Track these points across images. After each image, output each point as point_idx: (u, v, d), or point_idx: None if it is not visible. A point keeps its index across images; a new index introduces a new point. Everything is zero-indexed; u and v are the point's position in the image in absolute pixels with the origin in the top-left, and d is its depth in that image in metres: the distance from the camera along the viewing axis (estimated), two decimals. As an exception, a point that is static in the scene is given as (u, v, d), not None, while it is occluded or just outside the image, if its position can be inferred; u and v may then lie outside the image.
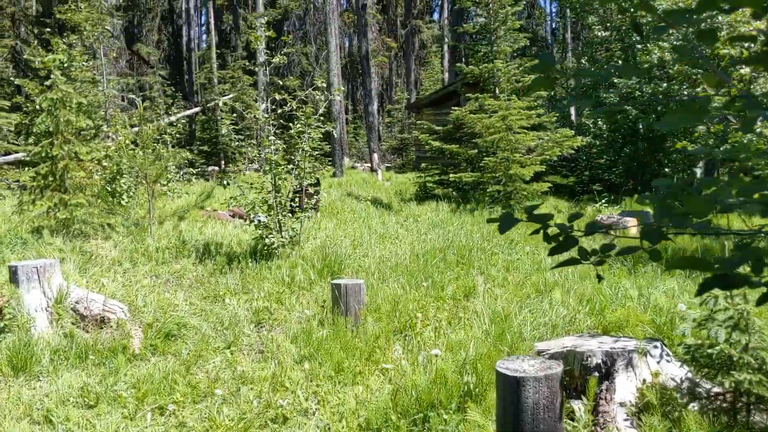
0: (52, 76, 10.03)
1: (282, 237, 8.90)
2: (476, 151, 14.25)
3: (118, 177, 12.24)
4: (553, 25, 47.02)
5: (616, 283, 6.98)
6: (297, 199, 9.35)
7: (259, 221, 8.99)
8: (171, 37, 45.02)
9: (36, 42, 22.10)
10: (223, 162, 24.84)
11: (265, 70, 9.19)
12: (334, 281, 6.39)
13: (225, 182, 9.37)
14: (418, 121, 16.14)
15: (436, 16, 52.18)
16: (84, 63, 16.41)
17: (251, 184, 9.43)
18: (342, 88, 9.45)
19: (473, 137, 15.02)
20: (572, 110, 27.57)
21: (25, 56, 19.61)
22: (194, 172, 17.99)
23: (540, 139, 14.21)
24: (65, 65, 17.13)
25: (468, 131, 14.95)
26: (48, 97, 9.77)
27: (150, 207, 10.22)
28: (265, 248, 8.86)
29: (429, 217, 12.84)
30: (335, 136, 17.67)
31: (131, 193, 12.33)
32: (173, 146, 18.20)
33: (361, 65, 20.30)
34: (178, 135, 19.14)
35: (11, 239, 9.25)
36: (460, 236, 10.86)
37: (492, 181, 14.04)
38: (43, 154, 9.90)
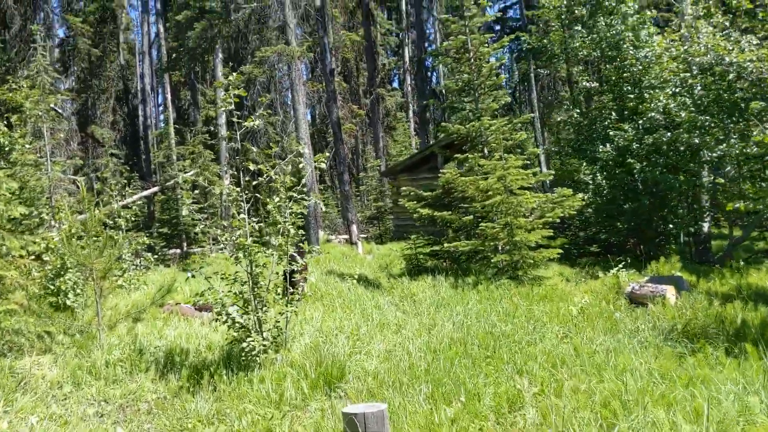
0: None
1: (263, 339, 7.15)
2: (471, 216, 12.81)
3: (62, 273, 10.38)
4: (513, 86, 47.10)
5: (704, 379, 5.41)
6: (280, 289, 7.66)
7: (233, 320, 7.24)
8: (127, 117, 43.58)
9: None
10: (185, 244, 22.95)
11: (234, 136, 7.65)
12: (347, 410, 4.66)
13: (190, 273, 7.62)
14: (402, 188, 14.72)
15: (395, 84, 52.08)
16: (27, 145, 14.70)
17: (221, 274, 7.70)
18: (327, 154, 7.93)
19: (464, 201, 13.63)
20: (543, 167, 26.66)
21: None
22: (152, 259, 16.12)
23: (537, 200, 12.87)
24: (6, 148, 15.42)
25: (458, 195, 13.54)
26: (-31, 184, 8.03)
27: (98, 309, 8.38)
28: (244, 354, 7.08)
29: (428, 296, 11.20)
30: (310, 208, 16.20)
31: (78, 291, 10.45)
32: (129, 230, 16.41)
33: (332, 132, 19.03)
34: (134, 218, 17.38)
35: None
36: (471, 317, 9.24)
37: (491, 249, 12.56)
38: (-37, 253, 8.09)
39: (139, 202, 21.45)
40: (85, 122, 35.87)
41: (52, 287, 10.33)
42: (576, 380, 5.64)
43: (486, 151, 13.87)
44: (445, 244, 12.79)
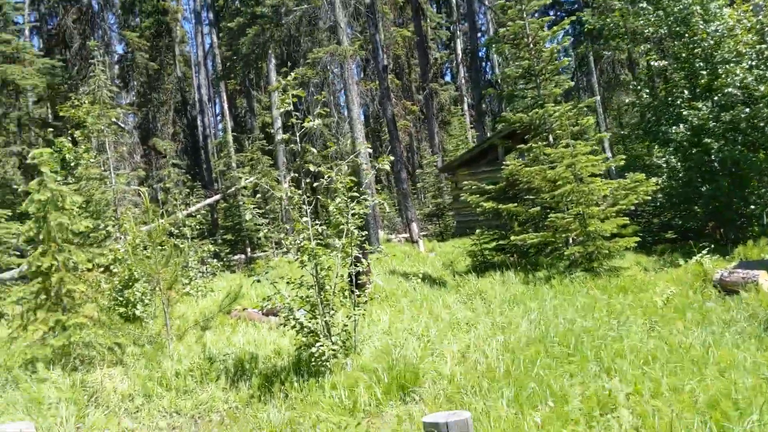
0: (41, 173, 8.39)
1: (333, 344, 6.91)
2: (538, 208, 12.30)
3: (130, 284, 10.46)
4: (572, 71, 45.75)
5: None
6: (347, 292, 7.41)
7: (301, 325, 7.04)
8: (186, 129, 44.52)
9: (44, 144, 21.04)
10: (249, 249, 23.12)
11: (294, 138, 7.44)
12: (428, 419, 4.33)
13: (256, 278, 7.44)
14: (463, 183, 14.31)
15: (447, 78, 51.51)
16: (92, 160, 15.00)
17: (287, 278, 7.51)
18: (390, 157, 7.67)
19: (529, 193, 13.13)
20: (607, 153, 25.62)
21: (28, 161, 18.34)
22: (218, 265, 16.20)
23: (610, 187, 12.24)
24: (71, 164, 15.77)
25: (523, 187, 13.05)
26: (35, 199, 8.08)
27: (166, 319, 8.33)
28: (313, 360, 6.86)
29: (498, 293, 10.77)
30: (370, 208, 16.00)
31: (146, 301, 10.50)
32: (194, 238, 16.57)
33: (388, 130, 18.76)
34: (199, 226, 17.58)
35: (-1, 377, 7.43)
36: (547, 314, 8.78)
37: (562, 241, 12.02)
38: (33, 269, 8.17)
39: (202, 211, 21.72)
40: (147, 135, 36.76)
41: (120, 299, 10.42)
42: (674, 378, 5.17)
43: (551, 138, 13.32)
44: (512, 238, 12.31)
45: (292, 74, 7.53)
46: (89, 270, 8.79)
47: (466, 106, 40.14)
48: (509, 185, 13.42)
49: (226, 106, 33.11)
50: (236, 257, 23.23)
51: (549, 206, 12.44)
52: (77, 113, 15.96)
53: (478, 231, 13.51)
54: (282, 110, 7.46)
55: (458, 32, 41.21)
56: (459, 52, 40.96)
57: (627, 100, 16.77)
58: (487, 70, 43.75)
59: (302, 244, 7.01)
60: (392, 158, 7.94)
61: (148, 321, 10.36)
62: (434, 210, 25.25)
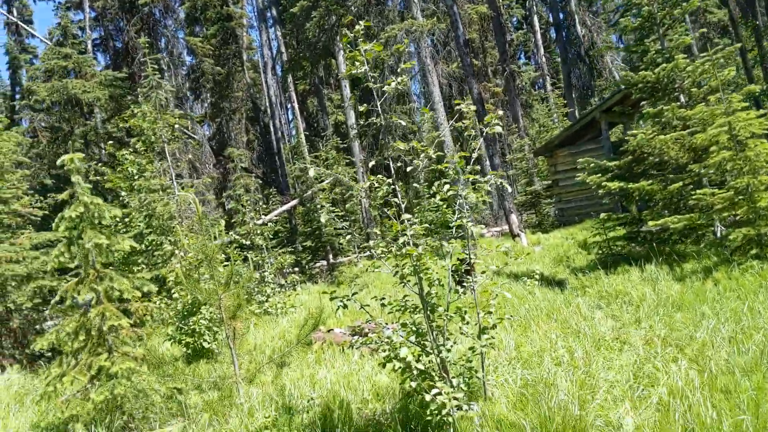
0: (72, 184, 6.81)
1: (453, 389, 4.92)
2: (680, 183, 9.86)
3: (194, 309, 8.86)
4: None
5: None
6: (470, 316, 5.40)
7: (408, 364, 5.08)
8: (260, 136, 43.80)
9: (108, 160, 20.18)
10: (330, 255, 21.50)
11: (375, 109, 5.52)
12: None
13: (340, 303, 5.46)
14: (580, 159, 12.00)
15: (522, 60, 48.69)
16: (153, 171, 13.68)
17: (382, 300, 5.57)
18: (499, 112, 5.64)
19: (661, 167, 10.76)
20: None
21: (90, 177, 17.35)
22: (297, 279, 14.52)
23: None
24: (135, 177, 14.46)
25: (654, 161, 10.67)
26: (65, 217, 6.50)
27: (233, 357, 6.57)
28: (428, 414, 4.89)
29: (642, 295, 8.48)
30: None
31: (216, 329, 8.88)
32: (274, 248, 15.05)
33: (476, 111, 16.60)
34: (277, 234, 16.03)
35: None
36: (727, 323, 6.48)
37: (714, 222, 9.58)
38: (68, 302, 6.62)
39: (278, 218, 20.26)
40: (222, 146, 36.04)
41: (186, 327, 8.84)
42: None
43: (682, 99, 10.87)
44: (650, 222, 9.92)
45: (362, 23, 5.61)
46: (139, 299, 7.17)
47: (549, 86, 37.36)
48: (635, 160, 11.03)
49: (297, 107, 31.82)
50: (318, 264, 21.71)
51: (692, 181, 10.03)
52: (137, 122, 14.73)
53: (602, 216, 11.12)
54: (354, 72, 5.52)
55: (534, 7, 38.41)
56: (537, 29, 38.17)
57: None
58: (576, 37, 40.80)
59: (405, 250, 5.02)
60: (500, 113, 5.91)
61: (220, 354, 8.74)
62: (529, 199, 22.81)
